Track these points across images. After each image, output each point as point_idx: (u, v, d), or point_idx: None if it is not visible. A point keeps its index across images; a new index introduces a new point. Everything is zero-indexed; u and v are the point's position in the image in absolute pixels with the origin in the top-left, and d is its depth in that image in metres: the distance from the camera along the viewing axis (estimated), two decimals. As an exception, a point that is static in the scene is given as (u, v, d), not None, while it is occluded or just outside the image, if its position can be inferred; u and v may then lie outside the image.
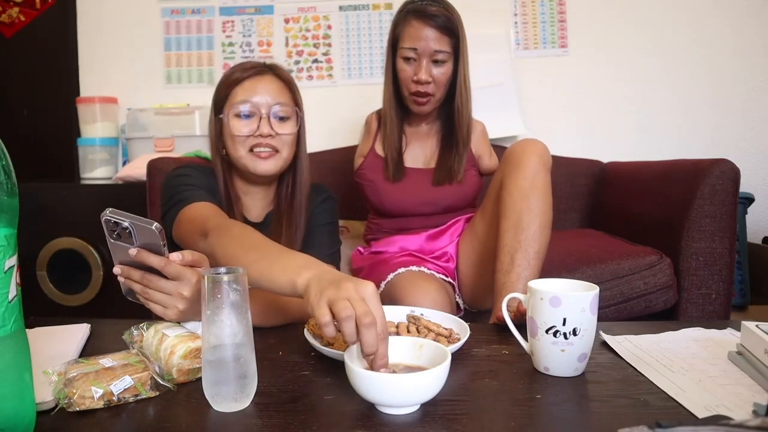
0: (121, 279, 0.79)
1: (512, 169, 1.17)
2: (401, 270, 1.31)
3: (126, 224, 0.74)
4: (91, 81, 2.40)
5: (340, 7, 2.36)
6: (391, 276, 1.31)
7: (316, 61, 2.37)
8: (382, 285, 1.32)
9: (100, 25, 2.39)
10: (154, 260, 0.76)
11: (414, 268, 1.31)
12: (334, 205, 1.25)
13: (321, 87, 2.37)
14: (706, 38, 2.27)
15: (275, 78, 1.13)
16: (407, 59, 1.41)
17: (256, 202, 1.20)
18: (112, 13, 2.38)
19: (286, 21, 2.37)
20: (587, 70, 2.30)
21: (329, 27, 2.37)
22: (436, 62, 1.40)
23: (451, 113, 1.48)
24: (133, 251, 0.75)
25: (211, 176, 1.17)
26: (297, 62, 2.37)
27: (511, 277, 1.07)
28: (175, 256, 0.77)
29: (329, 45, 2.37)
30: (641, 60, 2.29)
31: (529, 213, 1.11)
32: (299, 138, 1.17)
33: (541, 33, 2.31)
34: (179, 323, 0.80)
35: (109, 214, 0.74)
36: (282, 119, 1.12)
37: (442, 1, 1.41)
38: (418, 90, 1.41)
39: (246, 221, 1.18)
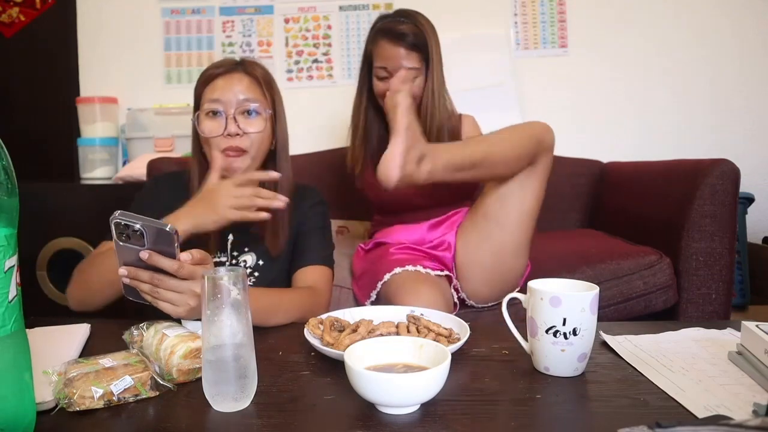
0: (125, 280, 0.79)
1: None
2: (397, 270, 1.31)
3: (138, 226, 0.74)
4: (91, 81, 2.40)
5: (340, 7, 2.36)
6: (387, 276, 1.31)
7: (316, 61, 2.37)
8: (379, 285, 1.33)
9: (100, 25, 2.39)
10: (166, 263, 0.76)
11: (410, 267, 1.32)
12: (325, 210, 1.25)
13: (321, 87, 2.37)
14: (706, 38, 2.27)
15: (245, 75, 1.12)
16: (381, 78, 1.48)
17: None
18: (112, 13, 2.38)
19: (286, 21, 2.37)
20: (587, 70, 2.30)
21: (329, 27, 2.37)
22: None
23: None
24: (144, 254, 0.75)
25: (173, 184, 1.17)
26: (297, 62, 2.37)
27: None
28: (185, 256, 0.78)
29: (329, 45, 2.37)
30: (641, 60, 2.29)
31: (501, 141, 1.15)
32: (275, 133, 1.16)
33: (541, 33, 2.31)
34: (180, 323, 0.80)
35: (119, 216, 0.74)
36: (250, 114, 1.10)
37: (411, 16, 1.47)
38: None
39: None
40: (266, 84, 1.14)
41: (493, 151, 1.12)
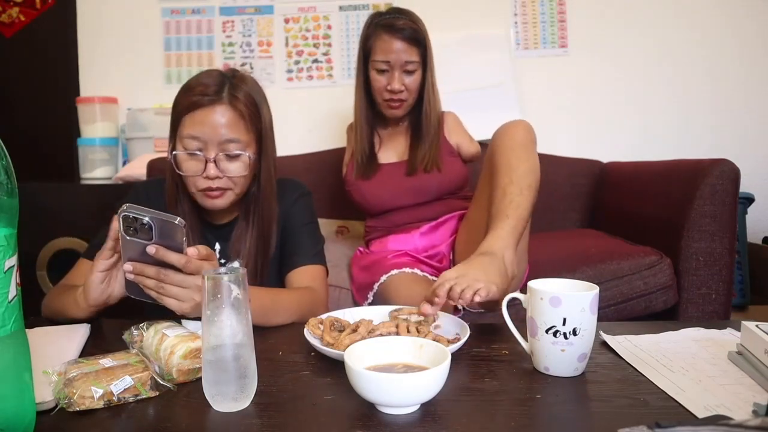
0: (130, 276, 0.78)
1: (500, 136, 1.18)
2: (394, 272, 1.31)
3: (146, 219, 0.74)
4: (91, 81, 2.40)
5: (340, 7, 2.36)
6: (383, 278, 1.31)
7: (316, 61, 2.37)
8: (375, 286, 1.32)
9: (100, 25, 2.39)
10: (173, 258, 0.76)
11: (407, 270, 1.32)
12: (309, 201, 1.20)
13: (321, 87, 2.37)
14: (706, 38, 2.27)
15: (229, 108, 1.02)
16: (380, 71, 1.51)
17: (220, 210, 1.13)
18: (112, 13, 2.38)
19: (286, 21, 2.37)
20: (587, 70, 2.30)
21: (329, 27, 2.37)
22: (407, 72, 1.50)
23: (420, 114, 1.57)
24: (151, 249, 0.75)
25: (155, 193, 1.15)
26: (297, 62, 2.37)
27: (504, 203, 1.05)
28: (192, 251, 0.77)
29: (329, 45, 2.37)
30: (641, 60, 2.29)
31: (518, 159, 1.11)
32: (260, 159, 1.09)
33: (541, 33, 2.31)
34: (180, 323, 0.80)
35: (127, 209, 0.74)
36: (232, 157, 1.03)
37: (407, 14, 1.53)
38: (392, 98, 1.51)
39: (207, 225, 1.15)
40: (252, 117, 1.05)
41: (535, 187, 1.10)
